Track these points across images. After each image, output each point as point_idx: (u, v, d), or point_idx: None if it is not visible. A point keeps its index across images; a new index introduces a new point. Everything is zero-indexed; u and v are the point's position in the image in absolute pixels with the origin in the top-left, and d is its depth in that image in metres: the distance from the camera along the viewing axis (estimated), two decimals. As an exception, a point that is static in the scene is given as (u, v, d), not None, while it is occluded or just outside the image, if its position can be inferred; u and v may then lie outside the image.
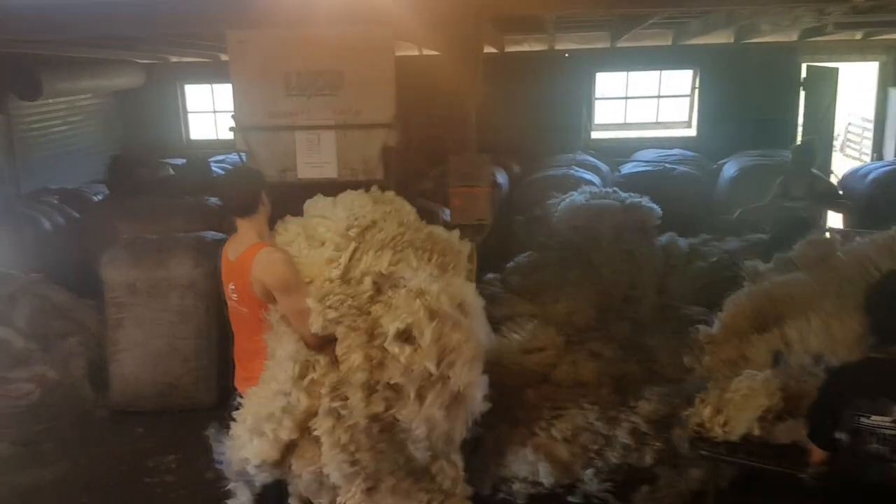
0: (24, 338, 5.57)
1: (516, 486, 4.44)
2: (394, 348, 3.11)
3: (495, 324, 5.74)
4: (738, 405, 3.80)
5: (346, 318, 3.20)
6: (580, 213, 6.86)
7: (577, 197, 7.23)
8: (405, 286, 3.27)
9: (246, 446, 3.27)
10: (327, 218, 3.46)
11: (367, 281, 3.26)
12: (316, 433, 3.18)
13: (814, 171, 6.57)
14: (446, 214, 5.58)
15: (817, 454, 3.00)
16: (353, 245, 3.32)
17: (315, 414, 3.20)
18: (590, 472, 4.53)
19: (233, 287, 3.38)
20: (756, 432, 3.71)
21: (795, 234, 5.35)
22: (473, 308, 3.36)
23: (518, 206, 8.26)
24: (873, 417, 2.73)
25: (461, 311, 3.27)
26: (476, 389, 3.24)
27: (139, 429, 5.62)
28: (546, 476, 4.48)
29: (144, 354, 5.76)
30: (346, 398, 3.15)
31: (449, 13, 4.94)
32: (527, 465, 4.58)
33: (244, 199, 3.34)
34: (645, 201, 7.02)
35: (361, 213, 3.44)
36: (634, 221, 6.77)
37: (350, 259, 3.30)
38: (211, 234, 6.17)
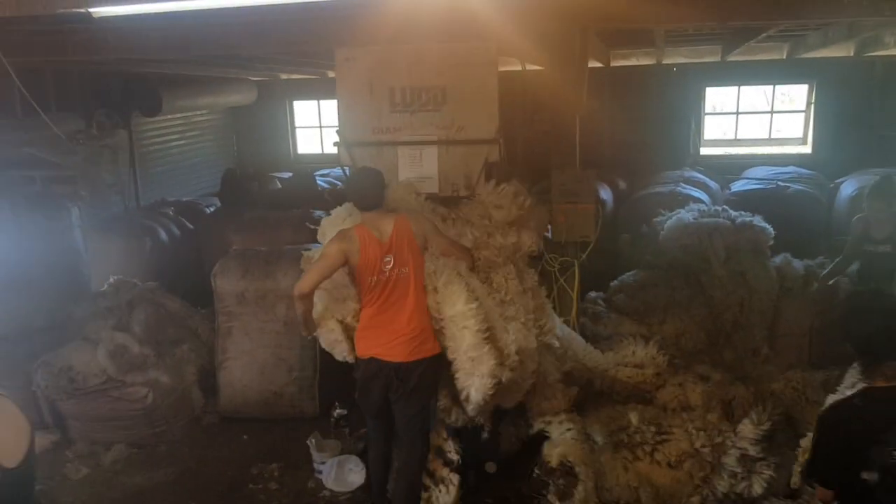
0: (140, 343, 5.80)
1: (618, 512, 4.32)
2: None
3: (599, 342, 5.65)
4: None
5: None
6: (689, 232, 6.64)
7: (685, 215, 7.01)
8: None
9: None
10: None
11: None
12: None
13: None
14: (549, 231, 5.50)
15: (823, 494, 2.85)
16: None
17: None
18: (695, 500, 4.35)
19: (388, 259, 4.10)
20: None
21: (883, 284, 5.01)
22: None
23: (624, 224, 8.09)
24: None
25: None
26: None
27: (245, 435, 5.77)
28: (649, 503, 4.32)
29: (251, 363, 5.91)
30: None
31: (554, 28, 4.88)
32: (629, 491, 4.44)
33: (371, 196, 4.19)
34: (757, 220, 6.73)
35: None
36: (746, 241, 6.50)
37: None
38: (317, 247, 6.28)
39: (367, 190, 4.22)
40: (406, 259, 4.14)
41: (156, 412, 5.66)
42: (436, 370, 4.21)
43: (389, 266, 4.12)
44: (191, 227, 8.34)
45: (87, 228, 7.38)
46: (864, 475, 2.64)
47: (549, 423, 4.77)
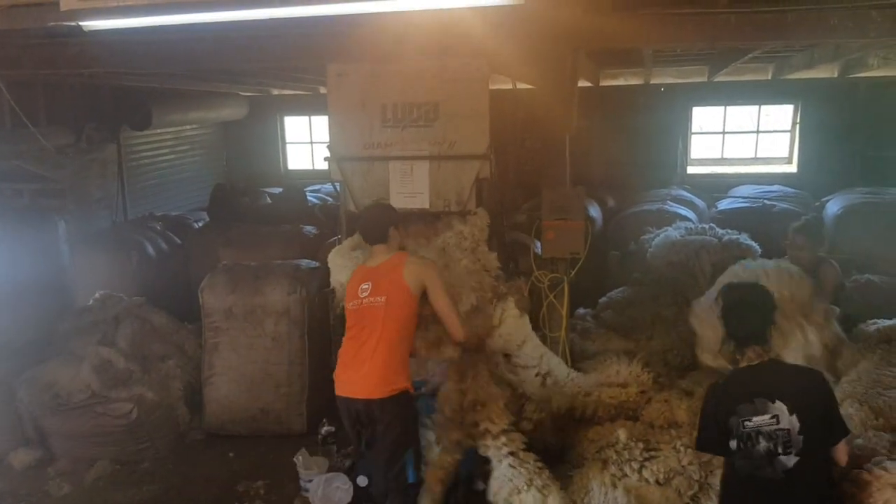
0: (125, 359, 5.72)
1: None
2: None
3: (587, 359, 5.60)
4: None
5: None
6: (676, 249, 6.64)
7: (672, 232, 7.01)
8: None
9: None
10: None
11: None
12: None
13: (821, 254, 5.48)
14: (538, 247, 5.48)
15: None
16: None
17: None
18: (684, 519, 4.30)
19: (367, 286, 4.03)
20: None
21: None
22: None
23: (612, 241, 8.08)
24: (756, 419, 3.10)
25: None
26: None
27: (231, 452, 5.69)
28: (638, 521, 4.27)
29: (238, 379, 5.84)
30: None
31: (545, 48, 4.87)
32: (617, 509, 4.38)
33: (376, 231, 4.20)
34: (744, 238, 6.74)
35: None
36: (733, 259, 6.47)
37: None
38: (306, 262, 6.24)
39: (367, 224, 4.26)
40: (384, 290, 4.01)
41: (140, 428, 5.57)
42: (406, 412, 4.05)
43: (365, 294, 4.04)
44: (179, 241, 8.26)
45: (74, 242, 7.31)
46: (730, 444, 3.15)
47: (488, 447, 4.43)
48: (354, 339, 4.04)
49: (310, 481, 5.00)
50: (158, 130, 9.88)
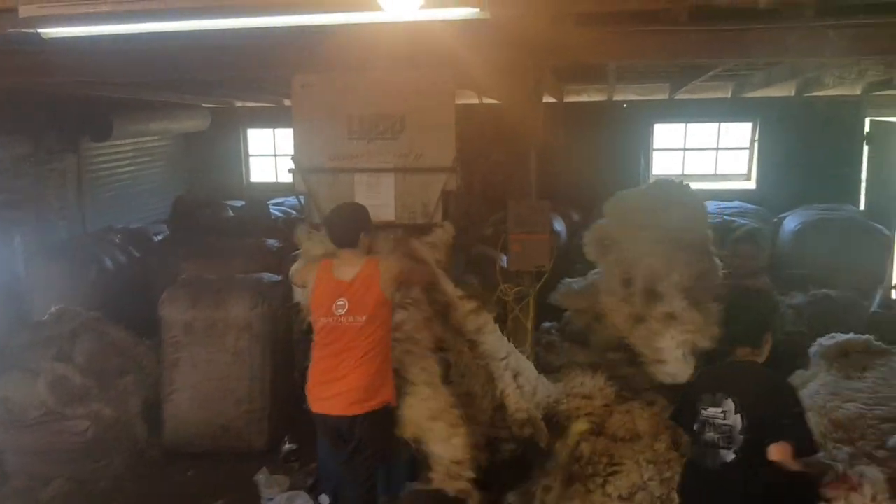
0: (82, 374, 5.58)
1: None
2: None
3: (552, 372, 5.60)
4: None
5: None
6: (639, 263, 6.67)
7: (634, 247, 7.04)
8: None
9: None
10: None
11: None
12: None
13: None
14: (504, 261, 5.47)
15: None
16: None
17: None
18: (647, 534, 4.29)
19: (342, 302, 3.88)
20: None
21: None
22: None
23: (577, 254, 8.10)
24: (710, 409, 3.31)
25: None
26: None
27: (190, 471, 5.57)
28: (603, 537, 4.25)
29: (198, 395, 5.73)
30: None
31: (511, 60, 4.90)
32: (583, 525, 4.37)
33: (346, 233, 4.03)
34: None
35: None
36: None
37: None
38: (268, 276, 6.17)
39: (334, 224, 4.09)
40: (365, 308, 3.89)
41: (97, 446, 5.42)
42: (386, 426, 4.01)
43: (342, 312, 3.89)
44: (138, 254, 8.11)
45: (31, 254, 7.14)
46: (694, 426, 3.38)
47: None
48: (331, 355, 3.93)
49: (271, 500, 4.92)
50: (119, 141, 9.72)
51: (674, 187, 5.96)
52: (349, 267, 4.00)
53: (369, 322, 3.89)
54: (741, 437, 3.21)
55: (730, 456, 3.23)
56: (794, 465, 3.18)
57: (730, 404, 3.26)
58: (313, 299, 4.03)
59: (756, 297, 3.66)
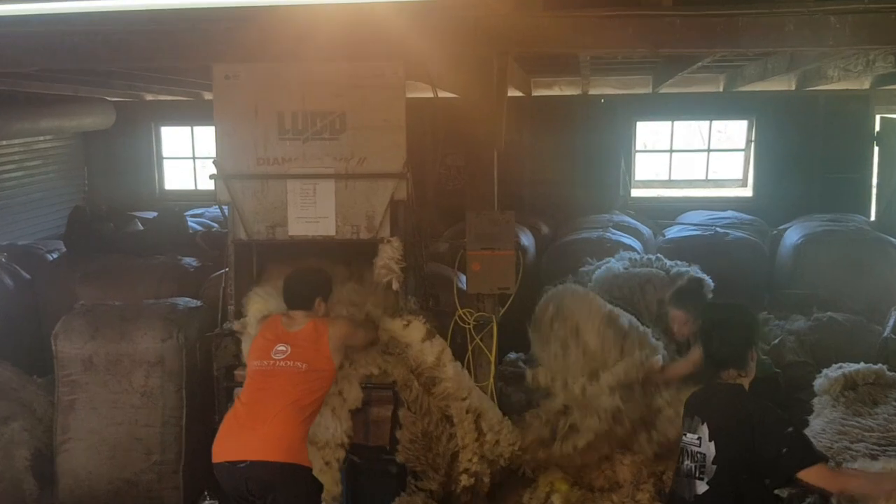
0: (-43, 421, 5.48)
1: None
2: None
3: (519, 412, 5.64)
4: None
5: None
6: (619, 284, 6.75)
7: (614, 264, 7.14)
8: None
9: None
10: None
11: None
12: None
13: None
14: (462, 282, 5.50)
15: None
16: None
17: None
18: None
19: (283, 348, 4.19)
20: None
21: None
22: None
23: (546, 274, 8.19)
24: (688, 435, 3.48)
25: None
26: None
27: (89, 534, 5.49)
28: None
29: (100, 444, 5.65)
30: None
31: (470, 51, 4.95)
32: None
33: (300, 298, 4.45)
34: (694, 270, 6.90)
35: None
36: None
37: None
38: (184, 301, 6.10)
39: (293, 289, 4.47)
40: (307, 357, 4.20)
41: (-24, 507, 5.32)
42: (311, 490, 4.12)
43: (282, 357, 4.18)
44: (27, 276, 7.98)
45: None
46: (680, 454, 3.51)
47: None
48: (255, 401, 4.08)
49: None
50: (3, 142, 9.58)
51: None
52: (299, 320, 4.38)
53: (309, 371, 4.16)
54: (713, 466, 3.32)
55: (702, 488, 3.35)
56: (839, 483, 3.26)
57: (704, 430, 3.39)
58: (252, 346, 4.28)
59: (741, 313, 3.74)
